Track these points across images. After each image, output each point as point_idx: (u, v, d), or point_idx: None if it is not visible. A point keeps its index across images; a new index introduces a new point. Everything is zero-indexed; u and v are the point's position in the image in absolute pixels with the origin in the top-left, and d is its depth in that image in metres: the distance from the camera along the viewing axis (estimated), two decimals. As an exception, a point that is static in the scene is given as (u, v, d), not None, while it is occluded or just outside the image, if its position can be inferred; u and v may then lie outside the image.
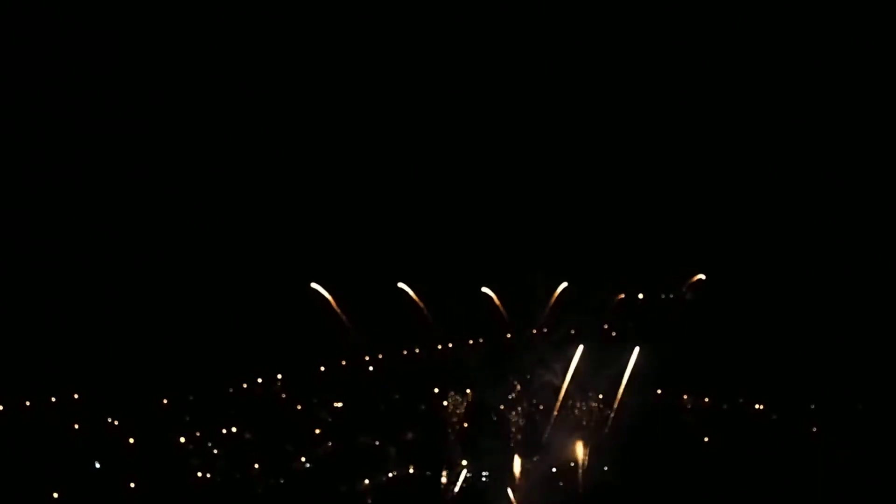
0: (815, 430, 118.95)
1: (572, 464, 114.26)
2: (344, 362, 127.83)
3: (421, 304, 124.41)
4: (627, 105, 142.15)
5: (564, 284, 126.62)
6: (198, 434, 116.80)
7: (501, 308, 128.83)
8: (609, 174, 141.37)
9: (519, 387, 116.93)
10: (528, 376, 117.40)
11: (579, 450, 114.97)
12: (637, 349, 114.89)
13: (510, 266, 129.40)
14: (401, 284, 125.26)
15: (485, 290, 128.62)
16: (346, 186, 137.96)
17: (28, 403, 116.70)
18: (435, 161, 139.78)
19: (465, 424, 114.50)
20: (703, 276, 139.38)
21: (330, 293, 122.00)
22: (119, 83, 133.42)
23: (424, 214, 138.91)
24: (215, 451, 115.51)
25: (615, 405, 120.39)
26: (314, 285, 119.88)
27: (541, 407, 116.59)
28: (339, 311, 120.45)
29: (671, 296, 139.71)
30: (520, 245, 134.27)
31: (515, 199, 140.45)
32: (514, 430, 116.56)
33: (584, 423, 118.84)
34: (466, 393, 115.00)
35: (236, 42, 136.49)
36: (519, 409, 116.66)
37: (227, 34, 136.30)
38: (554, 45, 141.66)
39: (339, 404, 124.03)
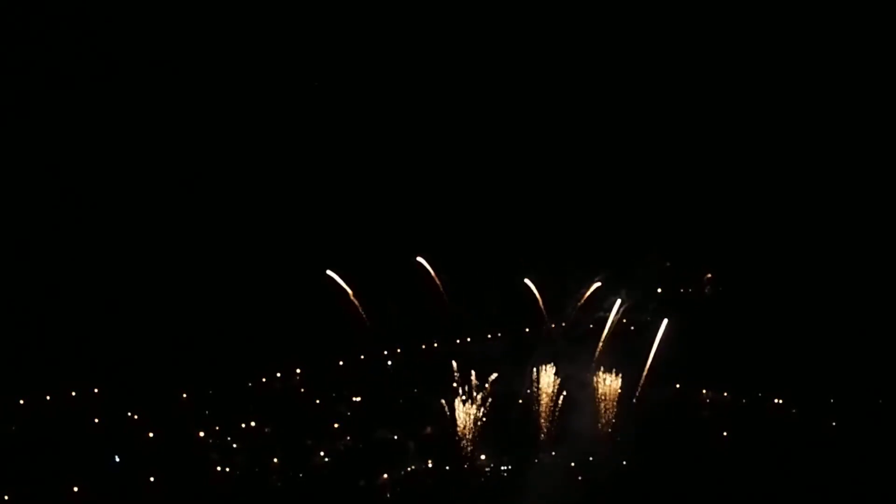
0: (834, 424, 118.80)
1: (591, 458, 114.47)
2: (362, 357, 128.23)
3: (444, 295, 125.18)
4: (656, 107, 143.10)
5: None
6: (217, 428, 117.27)
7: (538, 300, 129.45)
8: (635, 176, 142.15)
9: (540, 381, 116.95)
10: (550, 370, 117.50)
11: (598, 444, 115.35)
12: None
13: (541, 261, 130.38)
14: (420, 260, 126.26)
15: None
16: (366, 179, 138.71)
17: (49, 398, 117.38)
18: (463, 155, 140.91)
19: (485, 419, 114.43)
20: (716, 272, 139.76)
21: (348, 285, 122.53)
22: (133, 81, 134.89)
23: (444, 208, 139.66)
24: (235, 445, 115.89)
25: (635, 400, 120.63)
26: (330, 272, 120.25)
27: (560, 401, 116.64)
28: (356, 302, 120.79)
29: (689, 291, 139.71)
30: (547, 241, 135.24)
31: (528, 198, 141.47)
32: (534, 424, 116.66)
33: (604, 417, 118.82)
34: (486, 387, 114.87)
35: (256, 35, 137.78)
36: (539, 402, 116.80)
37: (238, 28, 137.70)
38: (550, 46, 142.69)
39: (358, 399, 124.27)
